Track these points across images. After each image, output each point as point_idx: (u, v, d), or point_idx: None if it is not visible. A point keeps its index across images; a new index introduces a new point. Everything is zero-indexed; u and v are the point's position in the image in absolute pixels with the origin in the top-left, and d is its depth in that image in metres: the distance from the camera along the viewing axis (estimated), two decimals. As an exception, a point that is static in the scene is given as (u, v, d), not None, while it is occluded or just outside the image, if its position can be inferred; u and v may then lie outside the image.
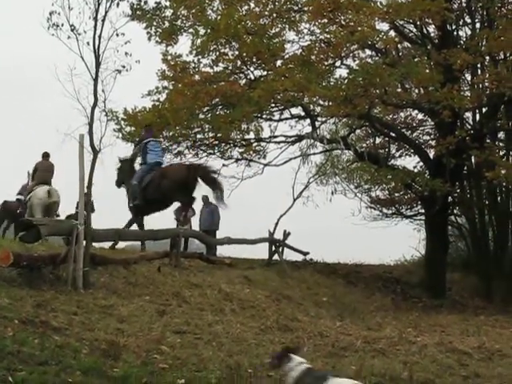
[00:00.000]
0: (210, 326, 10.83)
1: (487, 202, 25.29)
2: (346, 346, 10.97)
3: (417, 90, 22.62)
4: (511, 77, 19.52)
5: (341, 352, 10.50)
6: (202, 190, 19.37)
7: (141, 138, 19.12)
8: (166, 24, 22.70)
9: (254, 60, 21.85)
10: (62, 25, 11.94)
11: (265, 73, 22.15)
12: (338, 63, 22.21)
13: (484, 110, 23.00)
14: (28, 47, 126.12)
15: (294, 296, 16.84)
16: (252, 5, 22.38)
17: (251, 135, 23.48)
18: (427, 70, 20.46)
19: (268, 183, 30.03)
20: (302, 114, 23.07)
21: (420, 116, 25.97)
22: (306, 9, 21.44)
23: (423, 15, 20.29)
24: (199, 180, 18.25)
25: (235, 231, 21.96)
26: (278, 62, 21.65)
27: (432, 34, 23.08)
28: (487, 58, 21.74)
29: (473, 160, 22.19)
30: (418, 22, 22.26)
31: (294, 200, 22.51)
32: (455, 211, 26.06)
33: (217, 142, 23.30)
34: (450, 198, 23.14)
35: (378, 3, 20.92)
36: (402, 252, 28.59)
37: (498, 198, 25.14)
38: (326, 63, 21.63)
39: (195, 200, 19.19)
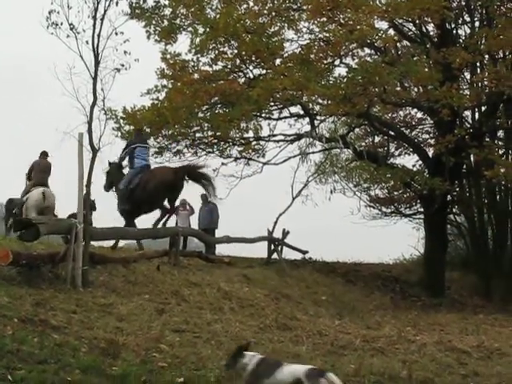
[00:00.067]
0: (209, 324, 10.84)
1: (486, 201, 25.31)
2: (345, 344, 11.00)
3: (416, 89, 22.61)
4: (510, 75, 19.52)
5: (340, 351, 10.52)
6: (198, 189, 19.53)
7: (128, 142, 19.01)
8: (165, 23, 22.71)
9: (253, 59, 21.84)
10: (62, 23, 11.95)
11: (264, 71, 22.14)
12: (337, 62, 22.26)
13: (483, 108, 23.02)
14: (27, 46, 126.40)
15: (293, 295, 16.85)
16: (251, 3, 22.38)
17: (250, 134, 23.54)
18: (426, 69, 20.47)
19: (267, 182, 29.96)
20: (301, 112, 23.07)
21: (419, 115, 25.98)
22: (304, 7, 21.43)
23: (422, 14, 20.29)
24: (188, 179, 18.35)
25: (234, 230, 21.98)
26: (277, 61, 21.65)
27: (431, 33, 23.09)
28: (486, 56, 21.76)
29: (472, 159, 22.16)
30: (417, 21, 22.25)
31: (293, 199, 22.46)
32: (454, 210, 26.04)
33: (216, 141, 23.31)
34: (449, 196, 23.14)
35: (377, 2, 20.90)
36: (401, 251, 28.62)
37: (497, 197, 25.17)
38: (325, 62, 21.62)
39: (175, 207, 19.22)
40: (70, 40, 11.93)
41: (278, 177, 25.96)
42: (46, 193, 17.05)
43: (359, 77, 19.37)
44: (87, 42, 12.05)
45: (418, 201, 25.94)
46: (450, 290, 22.77)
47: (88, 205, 12.49)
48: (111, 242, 17.29)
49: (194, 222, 23.03)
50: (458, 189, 24.25)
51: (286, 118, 23.59)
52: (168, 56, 22.49)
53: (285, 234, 21.90)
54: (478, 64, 22.17)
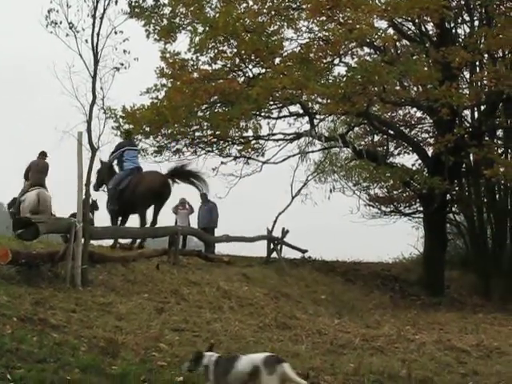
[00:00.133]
0: (208, 323, 10.85)
1: (486, 200, 25.30)
2: (345, 343, 11.00)
3: (415, 88, 22.60)
4: (510, 74, 19.51)
5: (339, 350, 10.52)
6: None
7: (118, 145, 18.92)
8: (165, 22, 22.70)
9: (253, 58, 21.84)
10: (61, 22, 11.95)
11: (263, 70, 22.15)
12: (336, 61, 22.23)
13: (482, 107, 23.02)
14: (27, 45, 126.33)
15: (293, 294, 16.85)
16: (250, 2, 22.35)
17: (250, 133, 23.53)
18: (426, 68, 20.47)
19: (266, 181, 29.97)
20: (301, 111, 23.07)
21: (418, 114, 25.96)
22: (304, 6, 21.40)
23: (422, 13, 20.27)
24: (177, 181, 18.39)
25: (233, 229, 21.92)
26: (277, 60, 21.64)
27: (430, 32, 23.08)
28: (486, 55, 21.74)
29: (471, 158, 22.16)
30: (417, 20, 22.25)
31: (293, 198, 22.48)
32: (454, 209, 26.03)
33: (215, 140, 23.31)
34: (448, 195, 23.13)
35: (377, 1, 20.88)
36: (400, 250, 28.61)
37: (497, 196, 25.17)
38: (324, 61, 21.62)
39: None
40: (69, 39, 11.94)
41: (277, 176, 25.99)
42: (41, 197, 16.93)
43: (359, 76, 19.36)
44: (86, 41, 12.07)
45: (418, 200, 25.95)
46: (449, 289, 22.77)
47: (88, 204, 12.49)
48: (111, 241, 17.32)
49: (194, 221, 23.09)
50: (457, 188, 24.22)
51: (285, 116, 23.60)
52: (167, 55, 22.47)
53: (284, 232, 21.91)
54: (477, 63, 22.16)
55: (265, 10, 21.95)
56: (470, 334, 13.71)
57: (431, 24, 22.36)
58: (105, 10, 12.16)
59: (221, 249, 22.47)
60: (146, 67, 19.58)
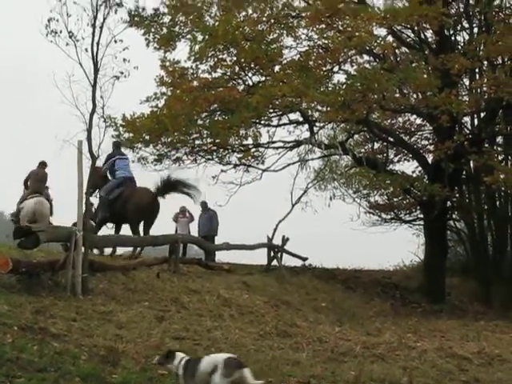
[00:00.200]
0: (208, 331, 10.83)
1: (486, 207, 25.32)
2: (346, 351, 10.97)
3: (415, 95, 22.63)
4: (509, 81, 19.54)
5: (340, 357, 10.49)
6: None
7: (108, 155, 18.92)
8: (164, 30, 22.79)
9: (252, 66, 21.88)
10: (61, 31, 11.97)
11: (263, 78, 22.18)
12: (335, 68, 22.22)
13: (482, 114, 23.05)
14: (27, 47, 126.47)
15: (293, 301, 16.84)
16: (250, 11, 22.46)
17: (249, 141, 23.52)
18: (425, 75, 20.51)
19: (266, 189, 29.95)
20: (300, 119, 23.09)
21: (418, 121, 25.98)
22: (303, 14, 21.48)
23: (421, 20, 20.35)
24: (169, 193, 18.35)
25: (234, 237, 21.95)
26: (276, 68, 21.70)
27: (430, 39, 23.18)
28: (485, 62, 21.76)
29: (471, 165, 22.20)
30: (416, 27, 22.33)
31: (293, 205, 22.47)
32: (454, 216, 26.04)
33: (215, 148, 23.31)
34: (448, 202, 23.14)
35: (376, 8, 20.95)
36: (401, 257, 28.58)
37: (497, 203, 25.19)
38: (323, 69, 21.63)
39: None
40: (69, 48, 11.96)
41: (277, 183, 25.98)
42: (39, 205, 16.91)
43: (358, 83, 19.41)
44: (86, 50, 12.08)
45: (418, 207, 25.94)
46: (450, 296, 22.75)
47: (88, 212, 12.49)
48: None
49: (194, 229, 23.11)
50: (457, 195, 24.24)
51: (285, 124, 23.60)
52: (167, 63, 22.53)
53: (284, 240, 21.88)
54: (476, 70, 22.18)
55: (264, 19, 22.02)
56: (471, 341, 13.69)
57: (430, 31, 22.46)
58: (104, 19, 12.20)
59: (221, 257, 22.49)
60: (145, 76, 19.62)
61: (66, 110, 11.81)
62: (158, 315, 11.22)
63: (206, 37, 21.11)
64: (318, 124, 22.82)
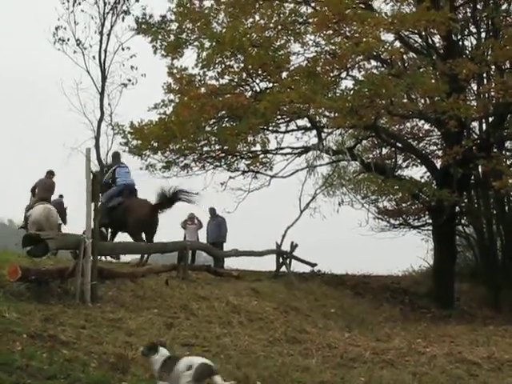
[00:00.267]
0: (217, 338, 10.81)
1: (495, 212, 25.27)
2: (355, 357, 10.93)
3: (423, 100, 22.61)
4: (517, 86, 19.52)
5: (349, 363, 10.46)
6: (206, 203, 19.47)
7: (109, 165, 18.89)
8: (172, 37, 22.87)
9: (260, 72, 21.91)
10: (68, 39, 12.06)
11: (270, 85, 22.20)
12: (343, 74, 22.27)
13: (490, 119, 23.02)
14: (35, 62, 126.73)
15: (302, 308, 16.81)
16: (257, 17, 22.51)
17: (257, 147, 23.57)
18: (433, 80, 20.50)
19: (275, 195, 29.98)
20: (308, 125, 23.11)
21: (426, 126, 26.01)
22: (310, 20, 21.51)
23: (428, 25, 20.32)
24: (170, 205, 18.27)
25: (242, 243, 21.92)
26: (284, 74, 21.72)
27: (437, 44, 23.15)
28: (493, 67, 21.76)
29: (480, 169, 22.20)
30: (423, 33, 22.33)
31: (301, 212, 22.44)
32: (463, 221, 26.01)
33: (223, 155, 23.36)
34: (457, 207, 23.10)
35: (383, 14, 20.98)
36: (409, 262, 28.57)
37: (506, 208, 25.16)
38: (331, 74, 21.64)
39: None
40: (76, 56, 12.03)
41: (285, 190, 25.99)
42: (46, 211, 16.90)
43: (366, 89, 19.40)
44: (94, 58, 12.17)
45: (427, 212, 25.95)
46: (459, 301, 22.71)
47: (97, 219, 12.50)
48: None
49: (203, 236, 23.13)
50: (466, 200, 24.19)
51: (293, 130, 23.64)
52: (175, 70, 22.59)
53: (293, 246, 21.90)
54: (484, 75, 22.20)
55: (271, 25, 22.07)
56: (480, 346, 13.64)
57: (438, 36, 22.43)
58: (112, 26, 12.33)
59: (230, 263, 22.52)
60: (153, 83, 19.73)
61: (74, 118, 11.86)
62: (167, 322, 11.20)
63: (214, 43, 21.15)
64: (325, 130, 22.84)
